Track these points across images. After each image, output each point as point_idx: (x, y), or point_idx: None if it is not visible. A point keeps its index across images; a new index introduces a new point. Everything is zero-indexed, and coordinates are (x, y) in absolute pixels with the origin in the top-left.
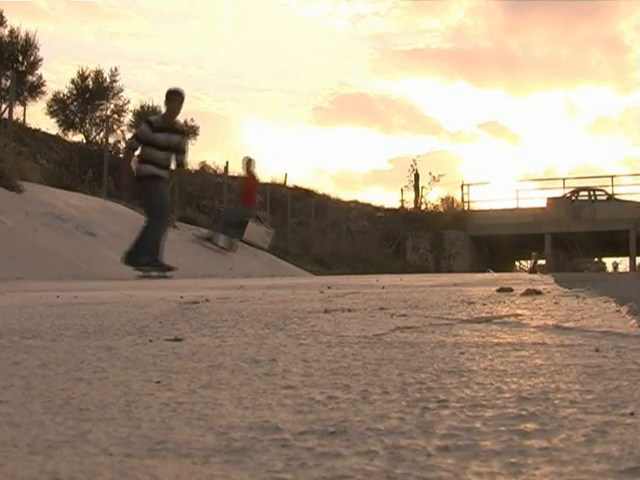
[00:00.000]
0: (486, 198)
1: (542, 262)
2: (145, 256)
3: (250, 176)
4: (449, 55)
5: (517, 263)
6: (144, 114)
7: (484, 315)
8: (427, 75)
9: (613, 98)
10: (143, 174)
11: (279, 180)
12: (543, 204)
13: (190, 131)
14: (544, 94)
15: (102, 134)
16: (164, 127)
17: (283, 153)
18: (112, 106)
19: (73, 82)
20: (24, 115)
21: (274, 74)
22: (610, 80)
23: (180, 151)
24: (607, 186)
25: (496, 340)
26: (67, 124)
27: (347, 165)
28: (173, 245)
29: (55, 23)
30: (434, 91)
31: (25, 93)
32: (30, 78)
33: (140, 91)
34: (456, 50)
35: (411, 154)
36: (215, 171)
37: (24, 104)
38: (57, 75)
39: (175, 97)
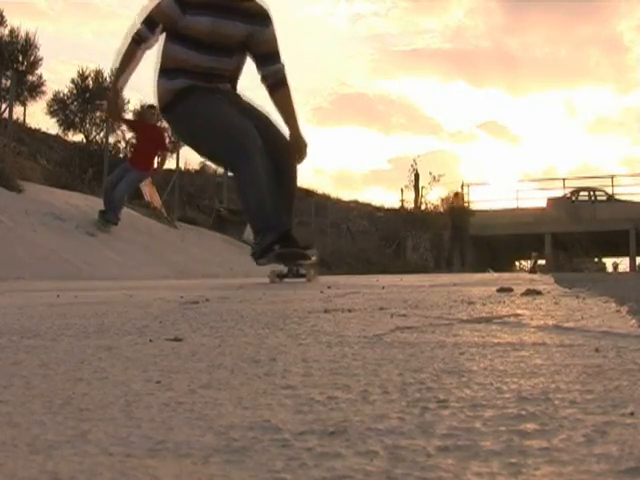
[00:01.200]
0: (486, 198)
1: (542, 262)
2: (262, 237)
3: (150, 128)
4: (448, 55)
5: (517, 263)
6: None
7: (484, 315)
8: (426, 75)
9: (613, 98)
10: (171, 95)
11: None
12: (543, 204)
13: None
14: (543, 94)
15: (102, 134)
16: (209, 3)
17: None
18: None
19: (73, 82)
20: (24, 115)
21: None
22: (610, 80)
23: (261, 54)
24: (607, 186)
25: (496, 340)
26: (67, 124)
27: (346, 165)
28: (172, 245)
29: (54, 23)
30: (433, 91)
31: (25, 93)
32: (30, 78)
33: (140, 91)
34: (455, 50)
35: (410, 154)
36: (215, 171)
37: (24, 104)
38: (56, 75)
39: None
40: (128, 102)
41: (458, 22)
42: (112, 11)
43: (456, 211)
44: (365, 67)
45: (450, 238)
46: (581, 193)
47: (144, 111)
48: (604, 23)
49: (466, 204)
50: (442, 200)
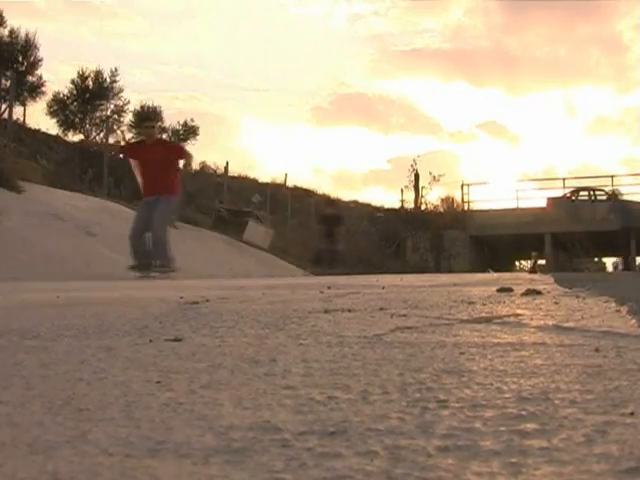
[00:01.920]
0: (486, 198)
1: (542, 262)
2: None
3: (155, 146)
4: (448, 55)
5: (517, 263)
6: (144, 114)
7: (484, 315)
8: (426, 75)
9: (612, 98)
10: None
11: (279, 180)
12: (543, 204)
13: (190, 131)
14: (543, 94)
15: (102, 134)
16: None
17: (282, 153)
18: (112, 106)
19: (73, 82)
20: (24, 115)
21: (272, 74)
22: (609, 80)
23: None
24: (607, 186)
25: (496, 340)
26: (67, 124)
27: (346, 165)
28: (172, 245)
29: (53, 23)
30: (433, 91)
31: (25, 93)
32: (30, 78)
33: (139, 91)
34: (455, 50)
35: (410, 154)
36: (215, 171)
37: (24, 104)
38: (56, 75)
39: None
40: (128, 102)
41: (458, 22)
42: (111, 11)
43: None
44: (364, 67)
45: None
46: (581, 193)
47: (144, 130)
48: (604, 22)
49: (465, 204)
50: (442, 200)
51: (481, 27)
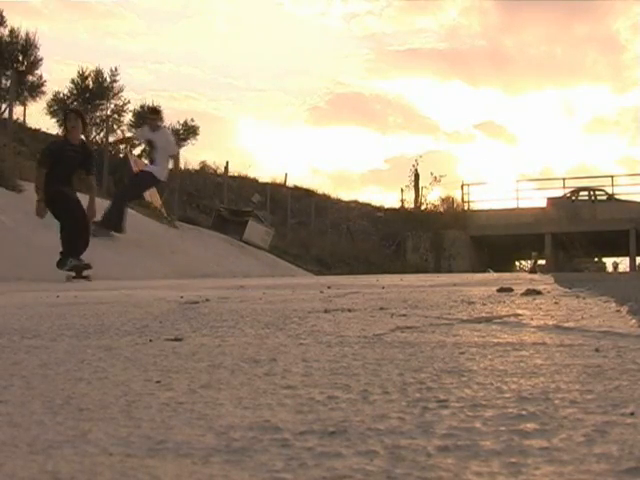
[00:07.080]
0: (486, 198)
1: (542, 262)
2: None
3: None
4: (444, 54)
5: (517, 263)
6: (144, 114)
7: (484, 315)
8: (422, 75)
9: (609, 97)
10: None
11: (279, 180)
12: (543, 204)
13: (190, 131)
14: (540, 93)
15: (102, 134)
16: None
17: (280, 153)
18: (112, 106)
19: (73, 82)
20: (24, 115)
21: (269, 74)
22: (606, 79)
23: None
24: (607, 186)
25: (496, 340)
26: None
27: (344, 165)
28: (172, 245)
29: (49, 22)
30: (430, 91)
31: (25, 93)
32: (30, 78)
33: (135, 90)
34: (451, 49)
35: (408, 154)
36: (215, 171)
37: (24, 104)
38: (51, 75)
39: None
40: (128, 102)
41: (453, 21)
42: (107, 10)
43: None
44: (360, 66)
45: None
46: (581, 193)
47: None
48: (600, 22)
49: (465, 204)
50: (442, 200)
51: (477, 27)
